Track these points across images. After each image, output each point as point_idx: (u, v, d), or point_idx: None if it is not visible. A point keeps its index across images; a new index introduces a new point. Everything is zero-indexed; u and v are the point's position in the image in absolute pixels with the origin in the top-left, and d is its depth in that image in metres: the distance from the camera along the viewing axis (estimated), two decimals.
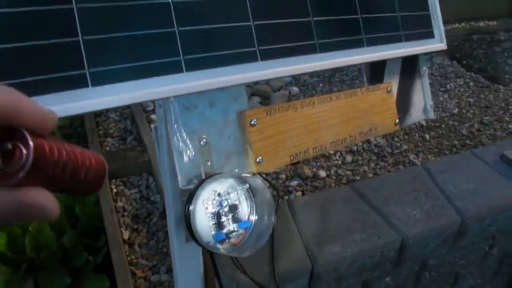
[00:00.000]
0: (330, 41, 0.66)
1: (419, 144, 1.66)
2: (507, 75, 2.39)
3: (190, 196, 0.47)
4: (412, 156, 1.57)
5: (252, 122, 0.57)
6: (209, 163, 0.52)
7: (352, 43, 0.71)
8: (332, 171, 1.44)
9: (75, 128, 1.98)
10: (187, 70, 0.47)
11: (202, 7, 0.50)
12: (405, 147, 1.61)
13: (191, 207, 0.47)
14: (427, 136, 1.70)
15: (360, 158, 1.53)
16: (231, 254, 0.53)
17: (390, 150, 1.59)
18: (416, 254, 0.99)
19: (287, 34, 0.59)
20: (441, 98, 2.03)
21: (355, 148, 1.58)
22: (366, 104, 0.75)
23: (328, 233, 0.92)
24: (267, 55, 0.56)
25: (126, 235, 1.32)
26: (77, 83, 0.44)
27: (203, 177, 0.50)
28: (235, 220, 0.49)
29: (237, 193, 0.50)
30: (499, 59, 2.58)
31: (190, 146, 0.50)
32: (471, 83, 2.19)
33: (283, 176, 1.41)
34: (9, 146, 0.21)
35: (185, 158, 0.50)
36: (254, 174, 0.55)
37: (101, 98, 0.44)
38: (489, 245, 1.12)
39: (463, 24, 3.16)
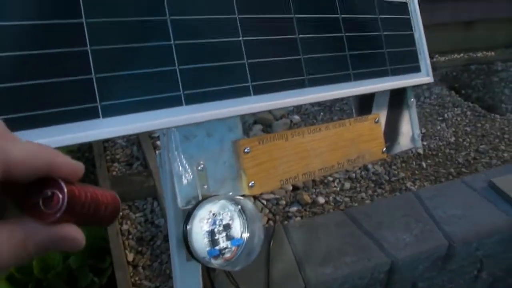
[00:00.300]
0: (318, 76, 0.73)
1: (416, 172, 1.72)
2: (503, 104, 2.47)
3: (187, 216, 0.53)
4: (409, 184, 1.63)
5: (246, 150, 0.64)
6: (205, 187, 0.58)
7: (339, 78, 0.78)
8: (331, 198, 1.51)
9: (83, 153, 2.06)
10: (186, 104, 0.55)
11: (200, 48, 0.58)
12: (402, 174, 1.68)
13: (188, 226, 0.53)
14: (424, 164, 1.77)
15: (358, 185, 1.60)
16: (225, 268, 0.59)
17: (387, 178, 1.66)
18: (406, 277, 1.04)
19: (278, 71, 0.67)
20: (439, 127, 2.10)
21: (353, 175, 1.65)
22: (353, 134, 0.82)
23: (321, 255, 0.98)
24: (259, 90, 0.63)
25: (130, 257, 1.37)
26: (90, 114, 0.51)
27: (200, 198, 0.56)
28: (229, 237, 0.55)
29: (230, 213, 0.56)
30: (496, 89, 2.66)
31: (188, 171, 0.57)
32: (468, 112, 2.27)
33: (283, 202, 1.47)
34: (49, 193, 0.27)
35: (184, 181, 0.56)
36: (246, 197, 0.61)
37: (110, 128, 0.51)
38: (477, 269, 1.17)
39: (461, 54, 3.26)
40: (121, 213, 1.56)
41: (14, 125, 0.46)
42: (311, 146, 0.74)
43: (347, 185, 1.59)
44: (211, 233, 0.54)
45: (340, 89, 0.77)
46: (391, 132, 0.94)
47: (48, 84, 0.49)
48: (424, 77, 0.98)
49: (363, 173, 1.67)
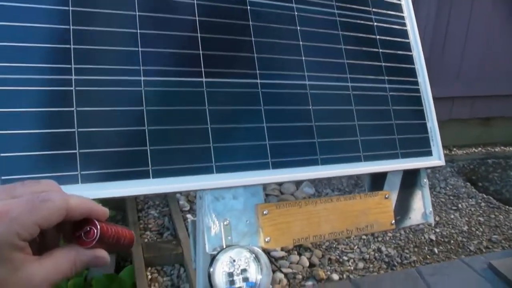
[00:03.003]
0: (330, 156, 0.94)
1: (428, 256, 1.88)
2: None
3: (212, 259, 0.74)
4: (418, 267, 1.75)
5: (264, 212, 0.84)
6: (229, 238, 0.78)
7: (350, 159, 0.98)
8: (345, 275, 1.69)
9: (116, 221, 2.32)
10: (216, 172, 0.77)
11: (231, 131, 0.81)
12: (414, 258, 1.85)
13: (211, 269, 0.73)
14: (436, 250, 1.94)
15: (371, 265, 1.78)
16: None
17: (399, 260, 1.83)
18: None
19: (294, 150, 0.88)
20: (452, 216, 2.24)
21: (367, 256, 1.84)
22: (363, 206, 1.00)
23: None
24: (277, 165, 0.85)
25: None
26: (143, 175, 0.74)
27: (224, 247, 0.76)
28: (244, 279, 0.74)
29: (247, 260, 0.75)
30: None
31: (216, 224, 0.78)
32: (483, 204, 2.43)
33: (300, 276, 1.67)
34: (88, 228, 0.44)
35: (212, 233, 0.77)
36: (263, 249, 0.81)
37: (158, 186, 0.73)
38: None
39: (479, 148, 3.53)
40: (149, 276, 1.77)
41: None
42: (322, 213, 0.93)
43: (361, 264, 1.78)
44: (230, 275, 0.74)
45: (349, 168, 0.97)
46: (402, 208, 1.10)
47: (116, 152, 0.74)
48: (436, 161, 1.16)
49: (376, 254, 1.87)
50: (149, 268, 1.88)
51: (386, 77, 1.10)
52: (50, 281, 0.41)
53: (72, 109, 0.70)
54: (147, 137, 0.75)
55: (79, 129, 0.70)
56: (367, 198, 1.01)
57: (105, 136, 0.72)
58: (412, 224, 1.11)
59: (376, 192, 1.04)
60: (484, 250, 1.96)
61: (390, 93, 1.10)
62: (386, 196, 1.05)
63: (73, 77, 0.71)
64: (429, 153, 1.15)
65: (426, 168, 1.15)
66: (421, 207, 1.13)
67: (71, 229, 0.45)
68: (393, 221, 1.04)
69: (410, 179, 1.13)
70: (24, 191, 0.41)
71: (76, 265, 0.43)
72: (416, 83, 1.15)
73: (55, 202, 0.41)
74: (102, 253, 0.46)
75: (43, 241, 0.45)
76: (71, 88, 0.71)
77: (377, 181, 1.08)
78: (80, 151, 0.70)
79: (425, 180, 1.15)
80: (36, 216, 0.39)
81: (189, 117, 0.79)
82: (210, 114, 0.80)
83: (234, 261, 0.75)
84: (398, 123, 1.09)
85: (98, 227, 0.44)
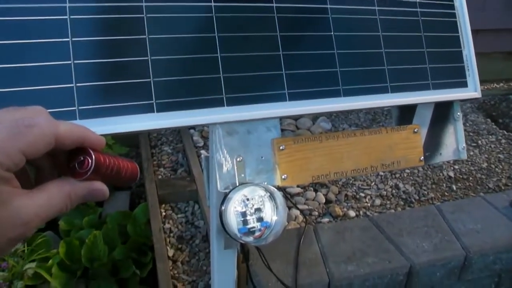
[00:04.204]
0: (353, 87, 0.87)
1: (446, 193, 1.88)
2: None
3: (224, 198, 0.69)
4: (437, 204, 1.75)
5: (281, 148, 0.79)
6: (242, 175, 0.74)
7: (376, 89, 0.91)
8: (361, 212, 1.70)
9: (131, 158, 2.33)
10: (227, 105, 0.72)
11: (240, 60, 0.74)
12: (431, 195, 1.85)
13: (223, 207, 0.69)
14: (454, 187, 1.94)
15: (388, 202, 1.79)
16: (253, 244, 0.74)
17: (417, 197, 1.84)
18: (424, 281, 1.21)
19: (313, 81, 0.82)
20: (471, 153, 2.24)
21: (384, 193, 1.85)
22: (389, 141, 0.94)
23: (345, 254, 1.18)
24: (294, 97, 0.78)
25: (170, 252, 1.62)
26: (147, 109, 0.69)
27: (237, 184, 0.72)
28: (259, 219, 0.70)
29: (261, 198, 0.71)
30: None
31: (229, 161, 0.73)
32: (503, 140, 2.40)
33: (316, 213, 1.68)
34: (81, 158, 0.41)
35: (224, 169, 0.73)
36: (279, 188, 0.77)
37: (164, 120, 0.68)
38: (495, 283, 1.34)
39: (501, 84, 3.44)
40: (164, 213, 1.79)
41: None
42: (345, 149, 0.87)
43: (378, 201, 1.78)
44: (243, 214, 0.70)
45: (377, 99, 0.90)
46: (433, 143, 1.04)
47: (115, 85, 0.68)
48: (472, 92, 1.08)
49: (394, 191, 1.87)
50: (163, 205, 1.88)
51: (417, 0, 1.00)
52: (42, 216, 0.38)
53: (144, 36, 0.69)
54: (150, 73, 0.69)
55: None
56: (394, 133, 0.95)
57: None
58: (443, 160, 1.05)
59: (404, 126, 0.97)
60: (503, 187, 1.95)
61: (422, 18, 1.01)
62: (415, 131, 0.99)
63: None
64: (463, 84, 1.07)
65: (461, 101, 1.07)
66: (453, 142, 1.07)
67: (65, 161, 0.42)
68: (422, 157, 0.98)
69: (442, 112, 1.06)
70: (7, 117, 0.37)
71: (71, 199, 0.40)
72: (452, 6, 1.05)
73: (42, 127, 0.37)
74: (99, 185, 0.42)
75: (39, 178, 0.43)
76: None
77: (406, 114, 1.02)
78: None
79: (458, 114, 1.08)
80: (20, 143, 0.35)
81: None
82: (219, 41, 0.73)
83: (247, 200, 0.70)
84: (430, 51, 1.01)
85: (93, 156, 0.41)
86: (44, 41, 0.63)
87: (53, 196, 0.39)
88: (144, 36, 0.68)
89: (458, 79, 1.06)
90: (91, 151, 0.41)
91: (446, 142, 1.07)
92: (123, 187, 2.05)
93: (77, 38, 0.64)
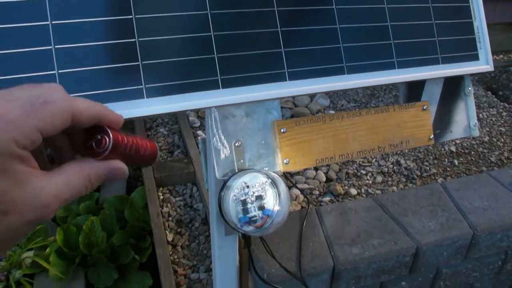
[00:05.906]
0: (357, 64, 0.84)
1: (448, 168, 1.90)
2: None
3: (222, 186, 0.67)
4: (440, 180, 1.82)
5: (282, 130, 0.76)
6: (241, 161, 0.71)
7: (381, 65, 0.88)
8: (363, 190, 1.72)
9: None
10: (223, 87, 0.69)
11: (235, 39, 0.71)
12: (433, 171, 1.86)
13: (222, 193, 0.66)
14: (456, 162, 1.95)
15: (390, 179, 1.81)
16: (255, 234, 0.72)
17: (419, 173, 1.85)
18: (430, 262, 1.20)
19: (314, 58, 0.78)
20: None
21: (385, 169, 1.85)
22: (397, 120, 0.91)
23: (350, 236, 1.16)
24: (294, 76, 0.75)
25: (170, 237, 1.62)
26: (136, 94, 0.66)
27: (236, 171, 0.70)
28: (260, 208, 0.68)
29: (263, 185, 0.69)
30: None
31: (226, 146, 0.71)
32: (504, 113, 2.41)
33: (317, 192, 1.69)
34: (99, 137, 0.40)
35: (222, 156, 0.70)
36: (281, 174, 0.74)
37: (154, 107, 0.65)
38: (502, 260, 1.34)
39: (501, 56, 3.43)
40: (161, 197, 1.78)
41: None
42: (350, 129, 0.85)
43: (379, 178, 1.80)
44: (244, 202, 0.68)
45: (383, 76, 0.87)
46: (443, 120, 1.01)
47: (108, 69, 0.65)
48: (484, 65, 1.04)
49: (395, 167, 1.88)
50: (161, 188, 1.87)
51: None
52: (61, 199, 0.37)
53: (131, 17, 0.65)
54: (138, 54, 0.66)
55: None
56: (402, 111, 0.92)
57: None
58: (453, 138, 1.02)
59: (412, 104, 0.94)
60: (505, 161, 1.97)
61: None
62: (424, 108, 0.96)
63: None
64: (475, 57, 1.04)
65: (472, 75, 1.04)
66: (464, 119, 1.04)
67: (83, 141, 0.42)
68: (432, 135, 0.96)
69: (452, 87, 1.03)
70: (22, 95, 0.36)
71: (91, 180, 0.40)
72: None
73: (58, 104, 0.36)
74: (119, 164, 0.42)
75: (57, 160, 0.43)
76: None
77: (414, 90, 0.99)
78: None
79: (469, 89, 1.05)
80: (36, 120, 0.35)
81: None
82: (212, 19, 0.70)
83: (247, 187, 0.68)
84: (438, 22, 0.98)
85: (111, 135, 0.40)
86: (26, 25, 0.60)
87: (72, 177, 0.38)
88: (131, 16, 0.65)
89: (469, 52, 1.03)
90: (109, 130, 0.40)
91: (456, 118, 1.04)
92: (143, 167, 2.05)
93: (59, 21, 0.61)
